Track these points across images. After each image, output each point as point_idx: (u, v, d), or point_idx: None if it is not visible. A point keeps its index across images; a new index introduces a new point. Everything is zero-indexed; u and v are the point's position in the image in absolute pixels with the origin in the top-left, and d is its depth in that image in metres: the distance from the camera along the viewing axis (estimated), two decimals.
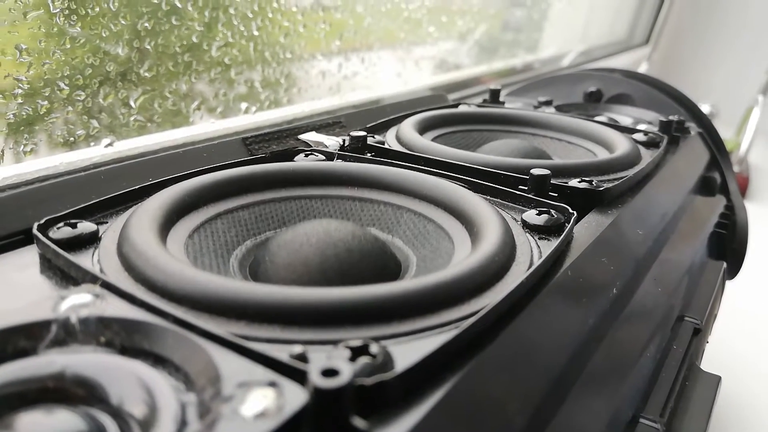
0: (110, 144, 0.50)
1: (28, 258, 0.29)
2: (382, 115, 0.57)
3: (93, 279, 0.25)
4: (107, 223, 0.33)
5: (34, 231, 0.29)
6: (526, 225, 0.35)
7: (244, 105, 0.63)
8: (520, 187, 0.40)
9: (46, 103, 0.46)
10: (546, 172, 0.39)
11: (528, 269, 0.30)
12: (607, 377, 0.34)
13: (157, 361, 0.21)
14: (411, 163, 0.42)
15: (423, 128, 0.54)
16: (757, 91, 1.67)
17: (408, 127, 0.52)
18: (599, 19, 1.74)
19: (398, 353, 0.22)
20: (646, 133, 0.56)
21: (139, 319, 0.22)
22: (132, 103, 0.52)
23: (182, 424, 0.19)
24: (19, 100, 0.44)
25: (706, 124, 0.73)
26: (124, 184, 0.36)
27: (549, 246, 0.32)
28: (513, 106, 0.70)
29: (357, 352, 0.21)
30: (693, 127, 0.67)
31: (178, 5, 0.54)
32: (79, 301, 0.22)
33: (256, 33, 0.62)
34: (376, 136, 0.51)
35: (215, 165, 0.39)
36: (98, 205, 0.33)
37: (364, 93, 0.79)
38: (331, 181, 0.39)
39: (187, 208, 0.34)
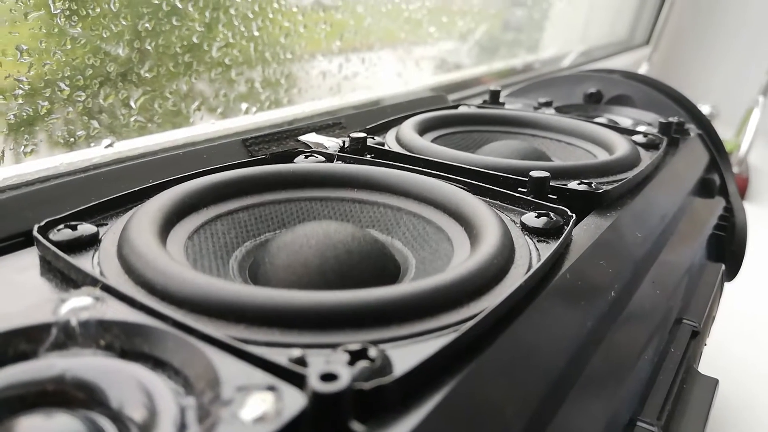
0: (110, 144, 0.50)
1: (28, 260, 0.29)
2: (383, 116, 0.57)
3: (93, 282, 0.25)
4: (107, 225, 0.33)
5: (35, 233, 0.29)
6: (525, 227, 0.35)
7: (244, 105, 0.63)
8: (519, 188, 0.40)
9: (46, 103, 0.46)
10: (545, 174, 0.39)
11: (527, 272, 0.30)
12: (605, 380, 0.34)
13: (157, 364, 0.21)
14: (411, 164, 0.42)
15: (423, 129, 0.55)
16: (757, 92, 1.67)
17: (408, 129, 0.52)
18: (600, 20, 1.74)
19: (397, 357, 0.22)
20: (645, 134, 0.56)
21: (139, 322, 0.22)
22: (132, 104, 0.52)
23: (182, 427, 0.19)
24: (20, 101, 0.44)
25: (705, 126, 0.73)
26: (124, 186, 0.36)
27: (548, 249, 0.33)
28: (513, 107, 0.70)
29: (356, 356, 0.21)
30: (693, 129, 0.67)
31: (179, 6, 0.54)
32: (79, 304, 0.22)
33: (256, 33, 0.62)
34: (376, 138, 0.51)
35: (215, 166, 0.39)
36: (98, 207, 0.34)
37: (365, 93, 0.79)
38: (331, 182, 0.39)
39: (187, 209, 0.34)
